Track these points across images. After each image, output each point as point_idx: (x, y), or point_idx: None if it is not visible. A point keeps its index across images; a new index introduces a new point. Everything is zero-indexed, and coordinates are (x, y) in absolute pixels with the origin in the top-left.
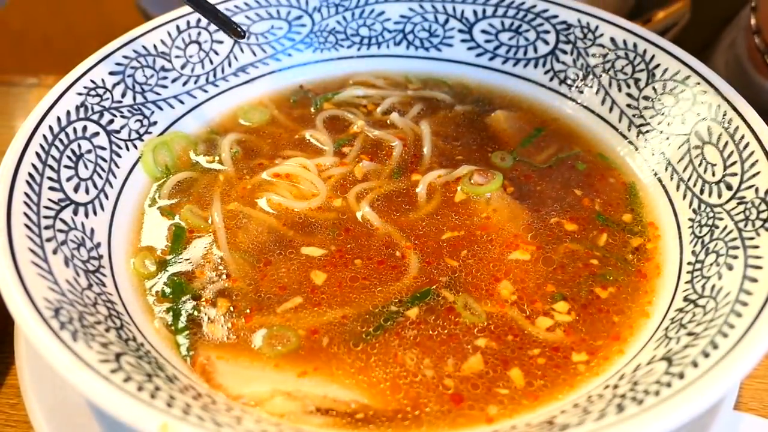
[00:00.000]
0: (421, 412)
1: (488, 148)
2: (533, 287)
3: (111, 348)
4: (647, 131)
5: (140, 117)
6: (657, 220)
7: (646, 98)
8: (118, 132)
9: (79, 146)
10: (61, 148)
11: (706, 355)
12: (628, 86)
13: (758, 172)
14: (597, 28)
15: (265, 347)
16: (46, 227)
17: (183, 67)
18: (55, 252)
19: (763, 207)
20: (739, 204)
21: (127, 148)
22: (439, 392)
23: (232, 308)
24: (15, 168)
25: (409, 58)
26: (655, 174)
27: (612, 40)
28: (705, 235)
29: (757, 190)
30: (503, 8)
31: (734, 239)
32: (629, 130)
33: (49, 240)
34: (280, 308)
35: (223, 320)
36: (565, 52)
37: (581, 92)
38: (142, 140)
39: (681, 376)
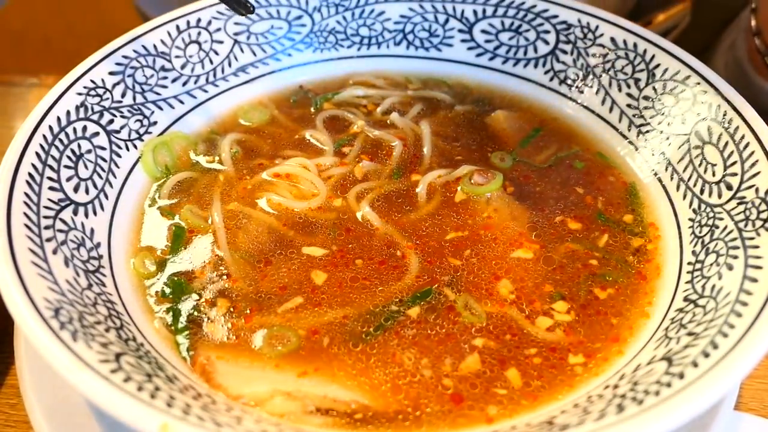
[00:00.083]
0: (422, 413)
1: (488, 148)
2: (532, 286)
3: (111, 348)
4: (647, 131)
5: (140, 117)
6: (657, 221)
7: (646, 98)
8: (118, 132)
9: (79, 146)
10: (61, 148)
11: (707, 355)
12: (628, 86)
13: (758, 172)
14: (597, 28)
15: (265, 347)
16: (46, 227)
17: (183, 67)
18: (55, 252)
19: (763, 207)
20: (739, 204)
21: (127, 148)
22: (439, 392)
23: (232, 308)
24: (15, 168)
25: (409, 58)
26: (655, 174)
27: (612, 40)
28: (705, 235)
29: (757, 190)
30: (503, 8)
31: (734, 239)
32: (629, 130)
33: (49, 240)
34: (281, 308)
35: (223, 320)
36: (565, 52)
37: (581, 92)
38: (142, 140)
39: (681, 376)
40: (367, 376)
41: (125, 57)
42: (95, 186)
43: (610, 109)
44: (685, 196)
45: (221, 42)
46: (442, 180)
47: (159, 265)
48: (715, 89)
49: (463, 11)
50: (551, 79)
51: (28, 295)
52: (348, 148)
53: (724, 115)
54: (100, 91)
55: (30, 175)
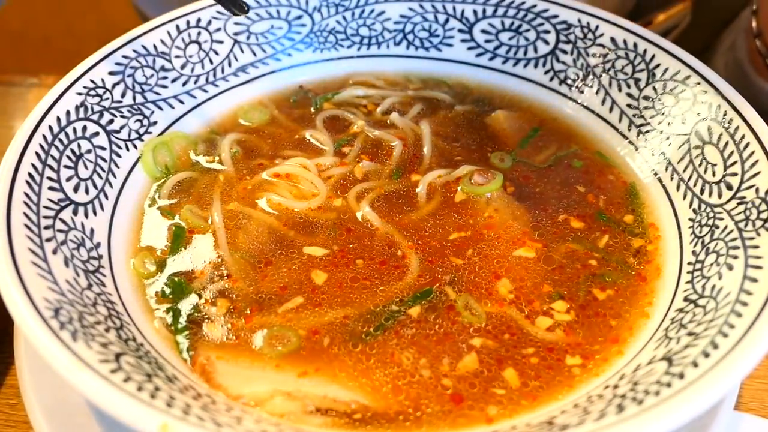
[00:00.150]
0: (422, 413)
1: (488, 148)
2: (531, 286)
3: (111, 348)
4: (647, 131)
5: (140, 117)
6: (657, 221)
7: (646, 98)
8: (118, 132)
9: (79, 146)
10: (61, 148)
11: (707, 355)
12: (629, 86)
13: (758, 172)
14: (597, 27)
15: (265, 347)
16: (46, 227)
17: (183, 67)
18: (54, 252)
19: (763, 207)
20: (739, 204)
21: (127, 148)
22: (439, 392)
23: (232, 308)
24: (15, 168)
25: (409, 58)
26: (656, 174)
27: (612, 39)
28: (705, 235)
29: (757, 190)
30: (503, 8)
31: (734, 239)
32: (629, 130)
33: (48, 240)
34: (281, 308)
35: (224, 320)
36: (565, 52)
37: (581, 92)
38: (142, 140)
39: (681, 376)
40: (368, 376)
41: (125, 57)
42: (95, 186)
43: (610, 109)
44: (685, 196)
45: (221, 42)
46: (442, 180)
47: (159, 265)
48: (716, 89)
49: (463, 11)
50: (551, 79)
51: (27, 295)
52: (348, 148)
53: (725, 115)
54: (100, 91)
55: (30, 175)
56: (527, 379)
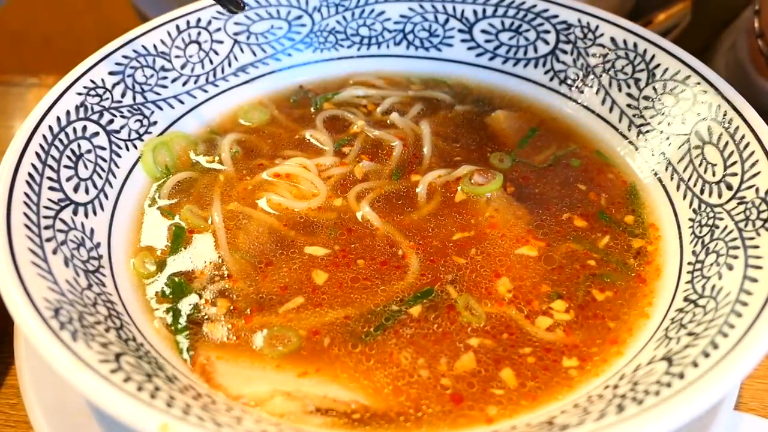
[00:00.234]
0: (423, 414)
1: (488, 148)
2: (530, 286)
3: (111, 348)
4: (647, 131)
5: (140, 117)
6: (657, 221)
7: (646, 98)
8: (117, 132)
9: (79, 146)
10: (61, 148)
11: (707, 355)
12: (629, 86)
13: (758, 172)
14: (597, 27)
15: (265, 347)
16: (46, 227)
17: (183, 67)
18: (54, 252)
19: (763, 207)
20: (739, 204)
21: (127, 148)
22: (439, 392)
23: (232, 308)
24: (15, 168)
25: (409, 58)
26: (656, 174)
27: (612, 39)
28: (705, 235)
29: (757, 190)
30: (503, 8)
31: (734, 239)
32: (629, 130)
33: (48, 240)
34: (282, 308)
35: (224, 320)
36: (565, 52)
37: (581, 92)
38: (142, 140)
39: (681, 376)
40: (368, 376)
41: (125, 57)
42: (95, 186)
43: (610, 109)
44: (685, 196)
45: (221, 42)
46: (442, 180)
47: (159, 265)
48: (716, 89)
49: (463, 11)
50: (551, 79)
51: (27, 295)
52: (348, 148)
53: (725, 115)
54: (100, 91)
55: (30, 175)
56: (524, 379)
